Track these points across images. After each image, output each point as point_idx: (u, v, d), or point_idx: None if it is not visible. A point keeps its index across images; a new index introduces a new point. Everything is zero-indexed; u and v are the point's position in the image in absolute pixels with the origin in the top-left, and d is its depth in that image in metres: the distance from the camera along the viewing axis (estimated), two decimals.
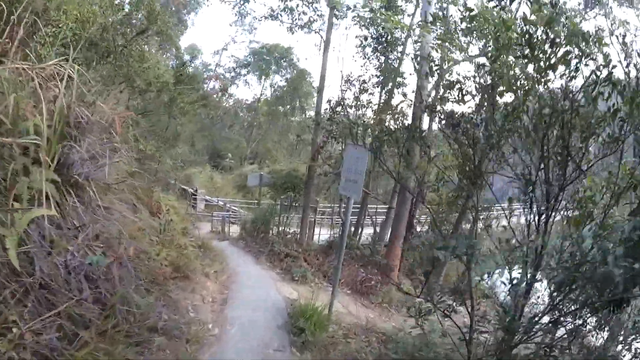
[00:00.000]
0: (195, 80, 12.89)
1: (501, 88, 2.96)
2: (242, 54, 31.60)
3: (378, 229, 12.52)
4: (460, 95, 3.05)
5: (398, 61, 12.81)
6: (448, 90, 3.19)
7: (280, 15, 13.80)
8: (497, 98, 2.96)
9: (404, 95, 11.93)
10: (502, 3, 2.99)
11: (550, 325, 2.46)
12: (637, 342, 2.84)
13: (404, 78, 12.84)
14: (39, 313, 2.69)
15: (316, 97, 13.66)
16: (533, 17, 2.69)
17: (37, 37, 5.06)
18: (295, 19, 13.68)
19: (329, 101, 11.51)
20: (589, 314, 2.44)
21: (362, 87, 11.50)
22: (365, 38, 12.59)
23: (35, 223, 3.09)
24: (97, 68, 6.95)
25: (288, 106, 31.81)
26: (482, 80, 2.99)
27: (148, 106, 9.76)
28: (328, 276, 8.22)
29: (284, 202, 12.35)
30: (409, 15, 12.42)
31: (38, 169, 3.27)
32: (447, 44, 10.11)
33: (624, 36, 3.34)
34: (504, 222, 2.92)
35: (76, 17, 6.65)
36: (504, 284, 2.50)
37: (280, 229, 11.20)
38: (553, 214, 2.75)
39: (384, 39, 12.28)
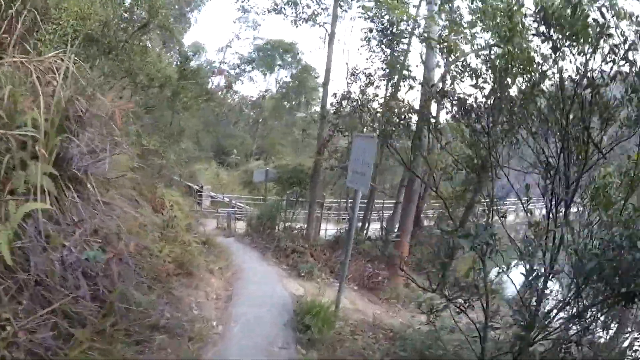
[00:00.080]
0: (198, 75, 12.80)
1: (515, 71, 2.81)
2: (246, 51, 31.43)
3: (385, 224, 12.36)
4: (474, 78, 2.88)
5: (404, 54, 12.61)
6: (461, 74, 3.02)
7: (284, 8, 13.64)
8: (510, 81, 2.80)
9: (413, 79, 11.76)
10: None
11: (574, 319, 2.31)
12: None
13: (410, 71, 12.65)
14: (34, 311, 2.60)
15: (321, 91, 13.50)
16: None
17: (37, 35, 4.99)
18: (299, 12, 13.50)
19: (334, 94, 11.41)
20: (607, 308, 2.29)
21: (368, 80, 11.38)
22: (371, 30, 12.37)
23: (32, 218, 3.01)
24: (99, 65, 6.86)
25: (293, 102, 31.69)
26: (495, 63, 2.83)
27: (151, 101, 9.68)
28: (335, 272, 8.10)
29: (290, 197, 12.23)
30: (414, 7, 12.20)
31: (35, 162, 3.19)
32: (452, 35, 9.94)
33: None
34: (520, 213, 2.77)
35: (77, 14, 6.58)
36: (524, 276, 2.35)
37: (286, 224, 11.11)
38: (573, 200, 2.60)
39: (389, 31, 12.08)
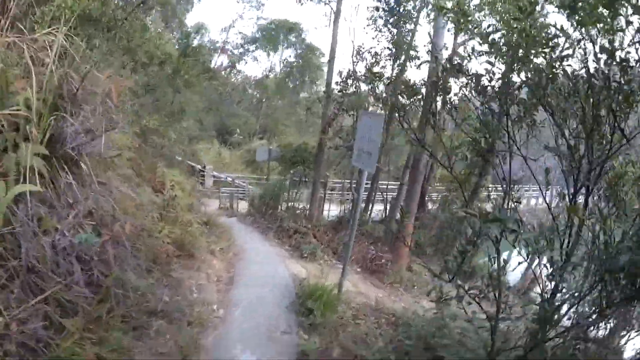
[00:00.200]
0: (200, 53, 12.50)
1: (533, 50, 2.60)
2: (250, 31, 30.82)
3: (389, 206, 12.22)
4: (491, 48, 2.67)
5: (411, 34, 12.24)
6: (480, 44, 2.80)
7: None
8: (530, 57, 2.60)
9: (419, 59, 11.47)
10: None
11: (595, 315, 2.18)
12: None
13: (417, 51, 12.30)
14: (26, 300, 2.50)
15: (325, 71, 13.19)
16: None
17: (34, 18, 4.79)
18: None
19: (339, 73, 11.15)
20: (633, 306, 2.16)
21: (375, 60, 11.11)
22: (377, 9, 11.99)
23: (24, 202, 2.88)
24: (98, 44, 6.63)
25: (297, 82, 31.26)
26: (512, 38, 2.62)
27: (152, 80, 9.46)
28: (338, 253, 8.02)
29: (294, 177, 12.09)
30: None
31: (27, 144, 3.05)
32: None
33: None
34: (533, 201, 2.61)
35: None
36: (546, 267, 2.22)
37: (289, 204, 11.01)
38: (594, 188, 2.44)
39: (396, 10, 11.69)
